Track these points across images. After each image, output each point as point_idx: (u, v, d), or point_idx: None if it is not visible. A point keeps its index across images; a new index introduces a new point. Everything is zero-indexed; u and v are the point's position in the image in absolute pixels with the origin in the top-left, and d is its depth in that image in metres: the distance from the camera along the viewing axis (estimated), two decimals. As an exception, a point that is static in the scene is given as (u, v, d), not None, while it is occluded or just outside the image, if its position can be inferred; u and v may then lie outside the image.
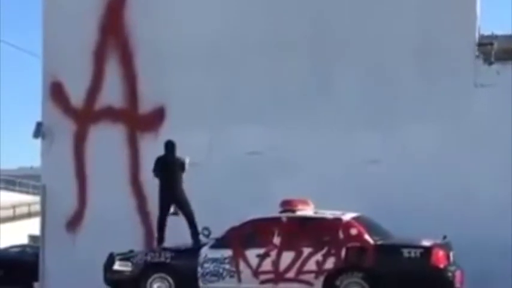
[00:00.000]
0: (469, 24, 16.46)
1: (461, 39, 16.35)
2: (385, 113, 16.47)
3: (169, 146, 15.48)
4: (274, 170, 16.61)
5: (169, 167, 15.26)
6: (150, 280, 14.01)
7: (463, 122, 16.10)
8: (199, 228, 14.81)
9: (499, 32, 16.91)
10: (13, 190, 49.35)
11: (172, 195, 15.19)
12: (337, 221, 13.58)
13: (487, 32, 16.81)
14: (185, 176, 15.28)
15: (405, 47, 16.52)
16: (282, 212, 14.00)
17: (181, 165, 15.24)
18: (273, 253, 13.50)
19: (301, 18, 17.02)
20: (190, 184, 15.44)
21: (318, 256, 13.27)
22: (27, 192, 48.68)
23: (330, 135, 16.51)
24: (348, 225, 13.48)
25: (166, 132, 17.48)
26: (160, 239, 15.23)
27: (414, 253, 12.93)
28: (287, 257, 13.41)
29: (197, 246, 14.33)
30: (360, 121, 16.53)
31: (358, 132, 16.43)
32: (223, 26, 17.40)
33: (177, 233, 15.67)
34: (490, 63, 16.40)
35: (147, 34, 17.80)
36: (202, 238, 14.68)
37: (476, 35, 16.56)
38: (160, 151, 15.56)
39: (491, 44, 16.52)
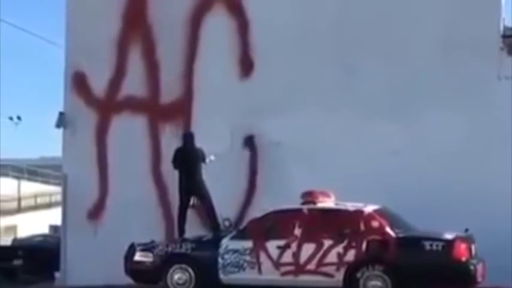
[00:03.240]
0: (494, 16, 16.31)
1: (486, 31, 16.19)
2: (407, 104, 16.36)
3: (188, 137, 15.50)
4: (295, 161, 16.55)
5: (188, 159, 15.28)
6: (170, 271, 14.04)
7: (486, 114, 15.95)
8: (221, 220, 14.83)
9: (523, 24, 16.78)
10: (35, 180, 49.62)
11: (191, 187, 15.20)
12: (359, 213, 13.53)
13: (511, 24, 16.66)
14: (206, 167, 15.28)
15: (429, 38, 16.38)
16: (303, 203, 13.97)
17: (201, 156, 15.23)
18: (294, 245, 13.47)
19: (324, 8, 16.92)
20: (211, 175, 15.45)
21: (339, 248, 13.24)
22: (48, 182, 48.92)
23: (352, 126, 16.42)
24: (369, 217, 13.43)
25: (187, 122, 17.52)
26: (181, 230, 15.25)
27: (436, 246, 12.86)
28: (308, 248, 13.38)
29: (217, 237, 14.33)
30: (382, 111, 16.43)
31: (380, 123, 16.33)
32: (250, 13, 17.33)
33: (197, 224, 15.75)
34: (515, 56, 16.27)
35: (170, 24, 17.78)
36: (223, 229, 14.70)
37: (501, 27, 16.42)
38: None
39: (516, 36, 16.38)
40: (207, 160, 15.49)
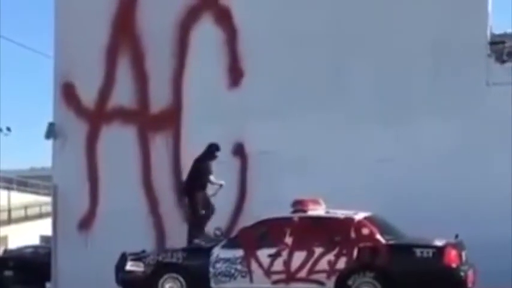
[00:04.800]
0: (481, 23, 16.41)
1: (473, 37, 16.31)
2: (399, 111, 16.43)
3: (207, 147, 15.44)
4: (285, 169, 16.57)
5: (193, 166, 15.30)
6: (161, 280, 14.01)
7: (475, 120, 16.04)
8: (212, 228, 14.86)
9: (511, 30, 16.84)
10: (24, 191, 49.53)
11: (184, 187, 15.24)
12: (349, 220, 13.55)
13: (498, 31, 16.76)
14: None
15: (418, 45, 16.47)
16: (293, 211, 13.98)
17: (206, 170, 15.16)
18: (285, 253, 13.47)
19: (313, 15, 16.97)
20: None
21: (330, 256, 13.24)
22: (38, 193, 48.82)
23: (343, 133, 16.48)
24: (359, 224, 13.45)
25: (177, 132, 17.55)
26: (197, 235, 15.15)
27: (426, 253, 12.88)
28: (299, 256, 13.38)
29: (209, 246, 14.32)
30: (373, 118, 16.50)
31: (371, 130, 16.40)
32: (238, 22, 17.38)
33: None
34: (502, 62, 16.35)
35: (158, 34, 17.81)
36: (214, 238, 14.71)
37: (488, 34, 16.51)
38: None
39: (503, 42, 16.46)
40: (214, 180, 15.37)
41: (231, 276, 13.65)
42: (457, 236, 13.46)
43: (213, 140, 15.73)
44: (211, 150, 15.36)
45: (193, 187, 15.19)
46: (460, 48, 16.29)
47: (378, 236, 13.26)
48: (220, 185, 15.37)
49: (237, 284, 13.62)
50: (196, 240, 14.80)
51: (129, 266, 14.32)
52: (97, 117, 18.29)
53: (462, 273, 13.00)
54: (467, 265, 13.29)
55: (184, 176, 15.92)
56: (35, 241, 36.10)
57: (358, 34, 16.73)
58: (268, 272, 13.49)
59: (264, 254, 13.55)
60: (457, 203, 15.54)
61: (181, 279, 13.95)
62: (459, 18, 16.36)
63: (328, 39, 16.90)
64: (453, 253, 12.98)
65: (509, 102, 15.92)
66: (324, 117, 16.66)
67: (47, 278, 18.93)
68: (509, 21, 17.62)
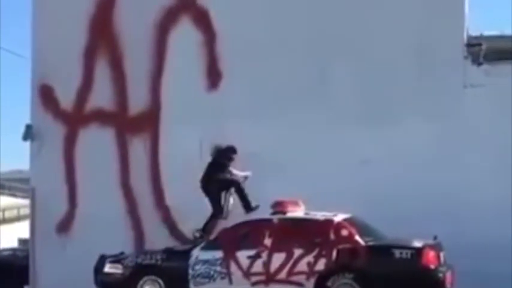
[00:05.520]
0: (458, 25, 16.50)
1: (450, 40, 16.39)
2: (379, 113, 16.46)
3: (224, 150, 15.49)
4: (265, 171, 16.55)
5: (208, 166, 15.29)
6: (141, 282, 14.02)
7: (453, 122, 16.13)
8: (192, 230, 14.88)
9: (487, 32, 16.95)
10: (2, 193, 49.21)
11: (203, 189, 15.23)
12: (328, 222, 13.60)
13: (475, 33, 16.86)
14: (176, 177, 15.28)
15: (399, 47, 16.51)
16: (273, 213, 14.01)
17: (219, 168, 15.21)
18: (264, 254, 13.51)
19: (297, 16, 16.98)
20: (182, 185, 15.47)
21: (309, 257, 13.29)
22: (16, 196, 48.52)
23: (323, 135, 16.47)
24: (339, 226, 13.50)
25: (156, 134, 17.52)
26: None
27: (405, 254, 12.96)
28: (278, 258, 13.42)
29: (187, 248, 14.30)
30: (353, 121, 16.53)
31: (352, 132, 16.43)
32: (217, 24, 17.39)
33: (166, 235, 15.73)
34: (479, 64, 16.43)
35: (137, 36, 17.77)
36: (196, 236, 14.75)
37: (465, 36, 16.60)
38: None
39: (480, 44, 16.54)
40: (236, 172, 15.40)
41: (210, 277, 13.67)
42: (435, 237, 13.55)
43: (190, 142, 15.74)
44: (229, 153, 15.40)
45: (208, 182, 15.17)
46: (436, 51, 16.37)
47: (357, 238, 13.32)
48: (245, 177, 15.36)
49: (216, 286, 13.64)
50: (197, 234, 14.73)
51: (108, 268, 14.31)
52: (75, 119, 18.20)
53: (440, 274, 13.10)
54: (445, 266, 13.38)
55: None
56: (13, 244, 35.85)
57: (338, 36, 16.76)
58: (247, 274, 13.52)
59: (243, 255, 13.58)
60: (438, 204, 15.62)
61: (160, 281, 13.95)
62: (436, 20, 16.44)
63: (309, 41, 16.93)
64: (431, 254, 13.07)
65: (486, 105, 16.03)
66: (305, 118, 16.68)
67: (25, 281, 18.82)
68: (486, 23, 17.75)
